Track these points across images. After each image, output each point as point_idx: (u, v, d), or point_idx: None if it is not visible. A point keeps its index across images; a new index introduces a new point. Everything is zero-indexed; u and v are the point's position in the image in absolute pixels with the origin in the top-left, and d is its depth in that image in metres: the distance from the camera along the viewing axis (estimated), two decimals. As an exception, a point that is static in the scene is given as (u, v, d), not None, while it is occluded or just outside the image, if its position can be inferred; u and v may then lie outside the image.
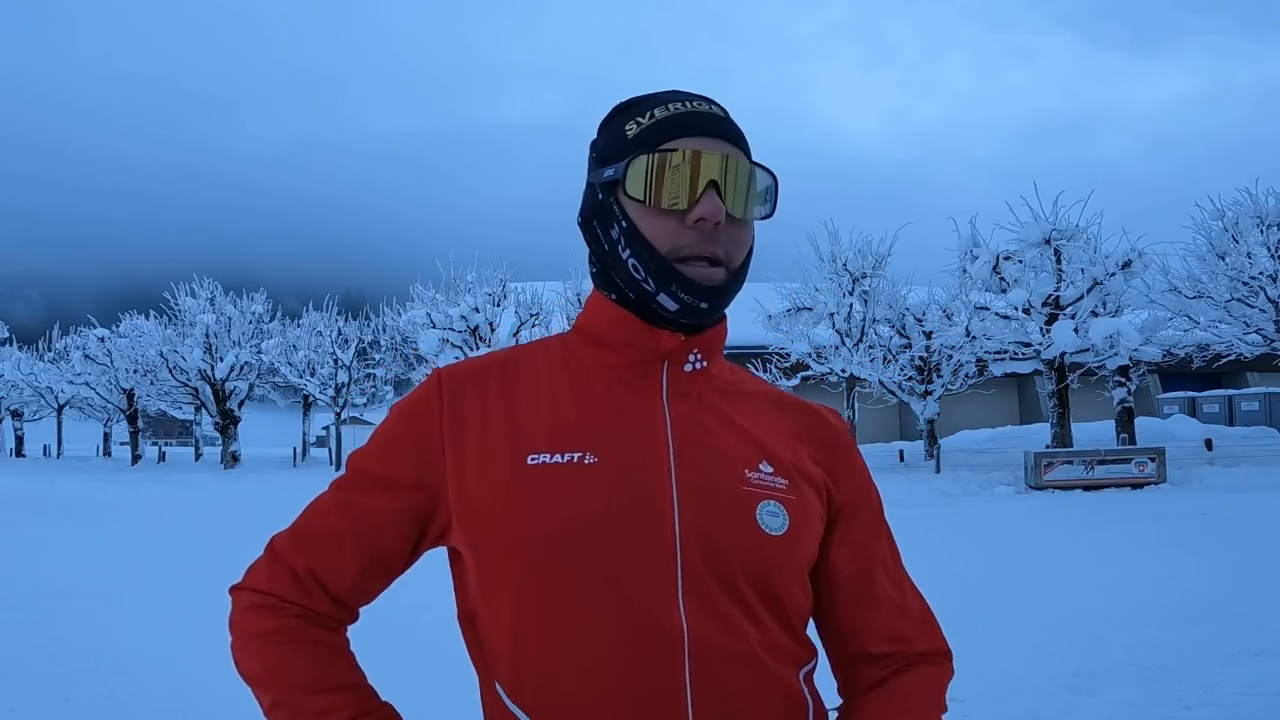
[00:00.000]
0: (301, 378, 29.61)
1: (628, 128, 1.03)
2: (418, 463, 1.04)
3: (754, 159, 1.06)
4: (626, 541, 0.97)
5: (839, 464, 1.13)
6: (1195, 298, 21.66)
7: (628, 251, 1.01)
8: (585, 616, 0.96)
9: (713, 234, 0.99)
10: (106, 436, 39.97)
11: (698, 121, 1.02)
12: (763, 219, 1.06)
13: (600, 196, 1.04)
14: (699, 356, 1.08)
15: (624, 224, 1.01)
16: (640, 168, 1.00)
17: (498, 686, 1.01)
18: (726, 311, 1.10)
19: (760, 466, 1.05)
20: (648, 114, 1.03)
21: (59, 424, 39.41)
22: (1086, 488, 16.96)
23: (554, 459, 1.00)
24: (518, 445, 1.02)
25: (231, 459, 28.72)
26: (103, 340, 31.90)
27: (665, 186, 0.99)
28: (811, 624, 1.14)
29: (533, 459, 1.00)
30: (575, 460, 1.00)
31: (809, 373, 24.67)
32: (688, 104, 1.03)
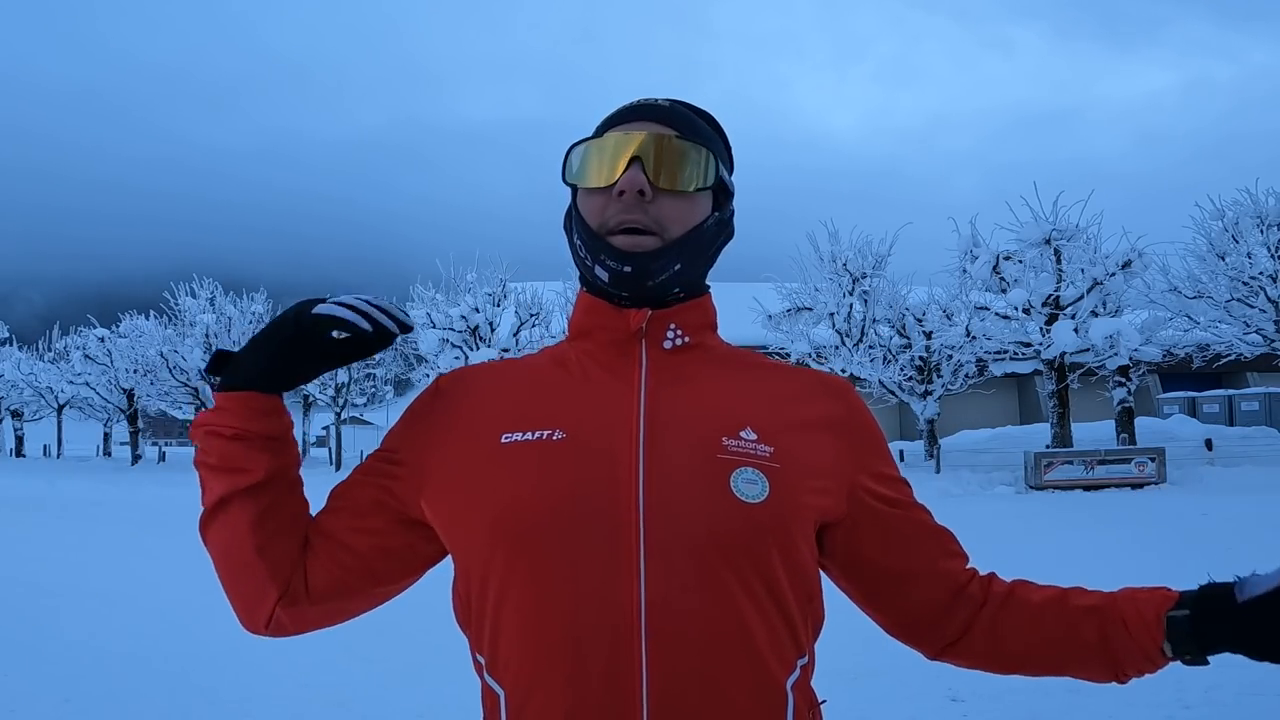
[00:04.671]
0: (301, 377, 29.52)
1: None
2: (407, 441, 1.12)
3: (709, 141, 1.11)
4: (587, 516, 0.97)
5: (850, 429, 1.11)
6: (1195, 298, 21.61)
7: (576, 234, 1.10)
8: (545, 590, 0.96)
9: (637, 204, 1.04)
10: (106, 436, 39.94)
11: (637, 113, 1.09)
12: (701, 190, 1.08)
13: (570, 199, 1.13)
14: (678, 332, 1.10)
15: (575, 212, 1.10)
16: (574, 155, 1.09)
17: (479, 658, 1.03)
18: (712, 291, 1.15)
19: (741, 434, 1.03)
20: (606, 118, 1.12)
21: (59, 424, 39.39)
22: (1086, 488, 16.95)
23: (525, 436, 1.03)
24: (495, 427, 1.06)
25: (231, 459, 28.66)
26: (103, 340, 31.88)
27: (591, 167, 1.07)
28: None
29: (507, 438, 1.04)
30: (544, 437, 1.03)
31: (809, 373, 24.63)
32: (639, 101, 1.11)
